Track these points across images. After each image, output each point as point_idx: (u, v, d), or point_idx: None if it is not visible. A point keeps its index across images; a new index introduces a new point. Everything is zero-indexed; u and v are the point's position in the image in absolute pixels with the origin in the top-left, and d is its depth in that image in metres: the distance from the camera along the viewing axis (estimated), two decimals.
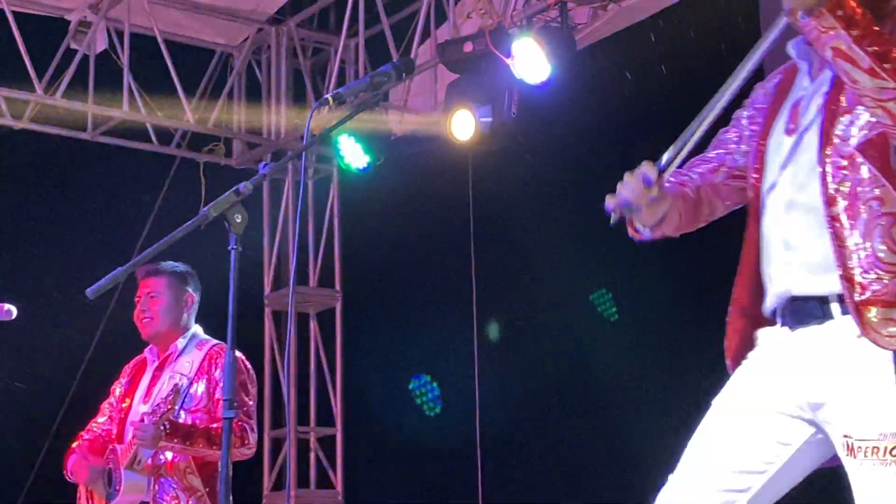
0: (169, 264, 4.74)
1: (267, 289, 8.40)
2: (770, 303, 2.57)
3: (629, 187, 2.53)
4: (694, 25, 6.44)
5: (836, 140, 2.46)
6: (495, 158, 6.99)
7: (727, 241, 2.81)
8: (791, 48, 2.64)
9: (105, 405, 4.81)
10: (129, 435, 4.52)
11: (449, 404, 7.87)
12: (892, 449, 2.35)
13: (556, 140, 6.94)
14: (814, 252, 2.46)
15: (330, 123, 2.97)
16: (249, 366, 4.70)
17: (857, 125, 2.45)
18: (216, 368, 4.56)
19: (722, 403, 2.60)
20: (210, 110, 8.18)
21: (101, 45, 7.75)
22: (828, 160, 2.46)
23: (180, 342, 4.66)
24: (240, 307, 2.72)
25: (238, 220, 2.63)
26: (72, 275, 7.38)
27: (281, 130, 8.34)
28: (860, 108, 2.44)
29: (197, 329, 4.73)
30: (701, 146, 2.69)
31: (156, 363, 4.69)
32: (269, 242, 8.48)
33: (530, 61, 6.40)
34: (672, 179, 2.69)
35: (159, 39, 7.79)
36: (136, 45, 7.77)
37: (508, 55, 6.46)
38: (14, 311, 4.11)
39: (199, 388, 4.54)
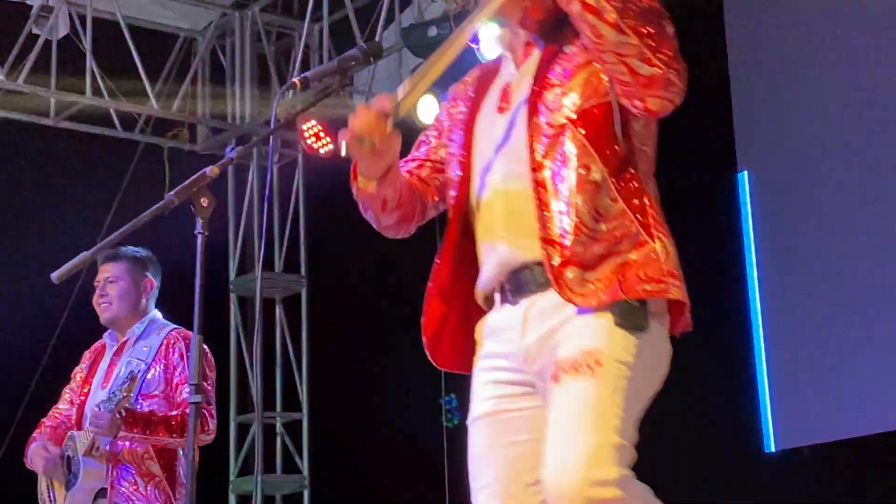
0: (129, 249, 4.73)
1: (232, 274, 8.38)
2: (487, 280, 2.60)
3: (363, 118, 2.53)
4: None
5: (544, 111, 2.51)
6: None
7: None
8: (497, 42, 2.72)
9: (66, 390, 4.80)
10: (87, 421, 4.51)
11: (414, 391, 7.87)
12: (589, 363, 2.40)
13: None
14: (524, 218, 2.50)
15: (295, 108, 2.97)
16: (207, 350, 4.70)
17: (568, 97, 2.50)
18: (174, 353, 4.56)
19: (475, 417, 2.61)
20: (174, 96, 8.14)
21: (64, 29, 7.69)
22: (537, 130, 2.50)
23: (137, 327, 4.66)
24: (205, 292, 2.72)
25: (204, 205, 2.62)
26: (35, 261, 7.34)
27: (245, 115, 8.31)
28: (573, 81, 2.49)
29: (156, 314, 4.73)
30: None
31: (114, 348, 4.69)
32: (234, 228, 8.46)
33: (495, 46, 6.39)
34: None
35: (122, 24, 7.73)
36: (99, 30, 7.72)
37: (474, 40, 6.45)
38: None
39: (156, 372, 4.54)
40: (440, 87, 7.15)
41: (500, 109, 2.63)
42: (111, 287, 4.66)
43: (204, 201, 2.62)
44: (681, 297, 2.51)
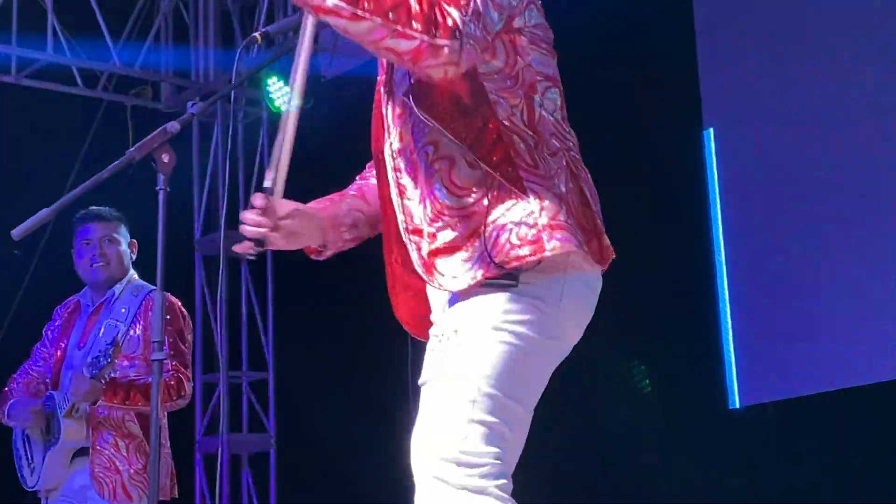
0: (108, 210, 4.72)
1: (197, 233, 8.33)
2: None
3: (250, 222, 2.51)
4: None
5: (395, 91, 2.44)
6: None
7: None
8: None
9: (38, 348, 4.78)
10: (65, 381, 4.52)
11: (380, 348, 7.88)
12: (455, 331, 2.32)
13: None
14: (399, 215, 2.45)
15: (259, 65, 2.95)
16: (186, 313, 4.72)
17: (400, 71, 2.42)
18: (151, 313, 4.50)
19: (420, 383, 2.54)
20: (137, 53, 8.06)
21: None
22: (392, 113, 2.44)
23: (117, 287, 4.65)
24: (170, 252, 2.70)
25: (165, 160, 2.60)
26: None
27: (210, 73, 8.24)
28: None
29: (133, 274, 4.72)
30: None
31: (90, 308, 4.67)
32: (198, 187, 8.40)
33: None
34: (348, 191, 2.71)
35: None
36: None
37: None
38: None
39: (135, 334, 4.55)
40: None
41: (388, 93, 2.52)
42: (110, 247, 4.66)
43: (165, 157, 2.61)
44: (560, 249, 2.32)
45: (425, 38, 2.23)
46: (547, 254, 2.31)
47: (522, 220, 2.31)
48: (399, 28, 2.22)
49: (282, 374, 8.21)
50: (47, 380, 4.65)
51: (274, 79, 7.51)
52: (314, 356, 8.24)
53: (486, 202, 2.32)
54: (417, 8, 2.23)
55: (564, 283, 2.36)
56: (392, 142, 2.43)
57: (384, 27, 2.22)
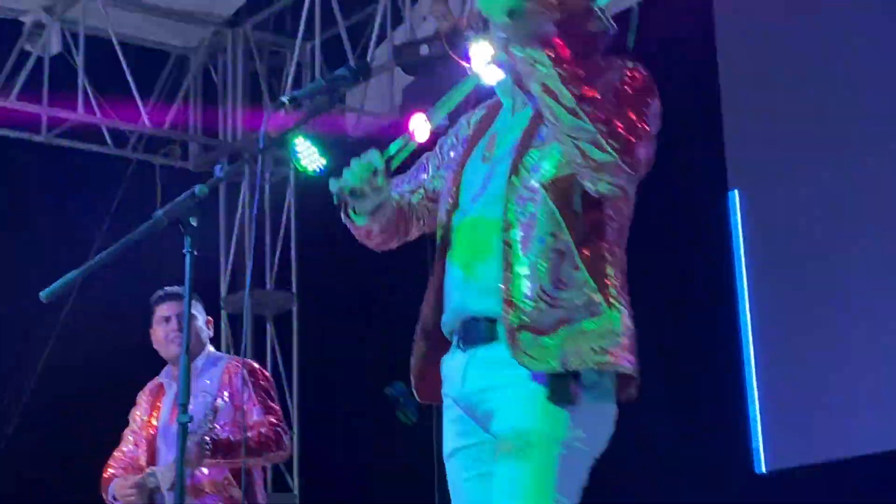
0: (182, 288, 4.85)
1: (223, 291, 8.36)
2: (447, 321, 2.67)
3: (356, 173, 2.67)
4: (651, 29, 6.49)
5: (523, 171, 2.57)
6: None
7: None
8: (497, 86, 2.79)
9: (128, 433, 4.93)
10: (161, 456, 4.68)
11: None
12: (521, 445, 2.48)
13: None
14: (488, 274, 2.56)
15: (286, 126, 2.98)
16: (267, 373, 4.94)
17: (547, 161, 2.55)
18: (237, 380, 4.73)
19: (447, 454, 2.71)
20: (166, 113, 8.14)
21: (56, 47, 7.71)
22: (513, 188, 2.56)
23: (199, 361, 4.80)
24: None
25: (193, 224, 2.62)
26: (25, 279, 7.32)
27: (237, 133, 8.32)
28: (553, 145, 2.53)
29: (210, 347, 4.91)
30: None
31: (174, 385, 4.81)
32: (225, 245, 8.45)
33: (486, 64, 6.41)
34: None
35: (114, 41, 7.74)
36: (91, 47, 7.74)
37: (465, 58, 6.47)
38: None
39: (223, 401, 4.70)
40: (432, 105, 7.16)
41: (484, 159, 2.69)
42: (189, 323, 4.75)
43: (193, 221, 2.62)
44: (631, 371, 2.55)
45: (617, 158, 2.43)
46: (619, 370, 2.54)
47: (606, 331, 2.51)
48: (600, 139, 2.42)
49: (307, 432, 8.19)
50: (143, 461, 4.76)
51: (300, 139, 7.55)
52: (339, 414, 8.23)
53: (580, 303, 2.51)
54: (619, 128, 2.44)
55: (613, 409, 2.59)
56: (509, 220, 2.55)
57: (591, 133, 2.42)
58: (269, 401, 4.75)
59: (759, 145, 5.82)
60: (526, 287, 2.50)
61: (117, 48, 7.75)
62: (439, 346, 2.70)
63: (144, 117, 7.91)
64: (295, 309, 8.33)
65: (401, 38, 7.21)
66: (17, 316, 7.37)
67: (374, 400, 8.03)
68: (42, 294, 2.49)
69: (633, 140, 2.46)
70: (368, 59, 7.33)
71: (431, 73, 6.82)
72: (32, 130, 7.80)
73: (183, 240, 2.68)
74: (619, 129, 2.44)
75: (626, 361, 2.53)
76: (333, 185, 2.72)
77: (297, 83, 8.07)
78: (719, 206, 5.95)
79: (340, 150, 7.99)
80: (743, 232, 5.77)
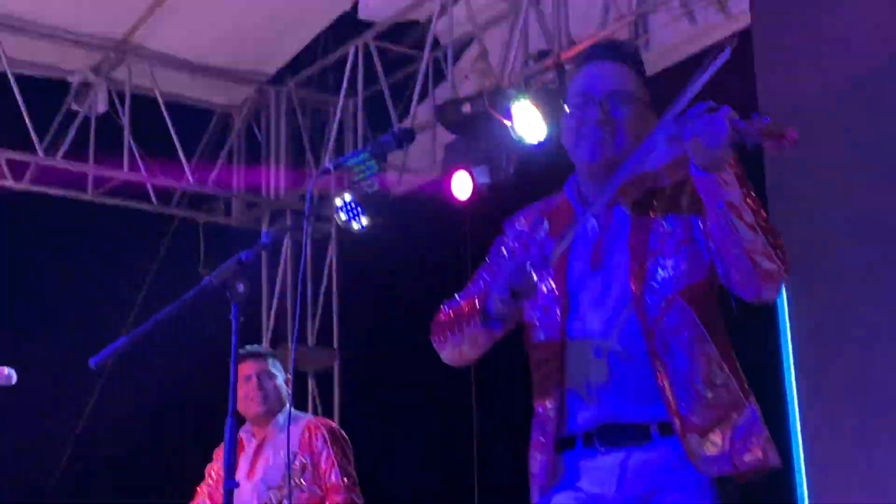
0: (263, 347, 5.20)
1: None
2: (581, 425, 2.71)
3: (524, 276, 2.65)
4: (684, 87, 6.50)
5: (649, 279, 2.67)
6: (493, 219, 7.01)
7: None
8: (571, 193, 2.83)
9: (203, 488, 5.03)
10: None
11: (446, 465, 7.84)
12: None
13: None
14: (633, 380, 2.65)
15: (329, 186, 3.03)
16: (345, 435, 5.03)
17: (675, 271, 2.68)
18: (317, 440, 4.86)
19: None
20: (209, 170, 8.23)
21: (102, 106, 7.82)
22: (644, 298, 2.66)
23: (280, 418, 4.91)
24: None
25: (240, 290, 2.65)
26: (70, 335, 7.38)
27: (280, 190, 8.38)
28: (675, 256, 2.67)
29: (290, 406, 5.03)
30: None
31: (254, 441, 4.94)
32: (267, 301, 8.49)
33: (528, 122, 6.45)
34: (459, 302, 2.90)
35: (160, 100, 7.85)
36: (137, 106, 7.84)
37: (506, 116, 6.50)
38: (14, 375, 4.10)
39: (303, 460, 4.81)
40: (475, 164, 7.16)
41: (593, 267, 2.75)
42: (267, 382, 4.92)
43: (239, 286, 2.65)
44: (778, 462, 2.68)
45: (781, 268, 2.61)
46: (771, 465, 2.67)
47: (752, 424, 2.66)
48: (771, 250, 2.58)
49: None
50: None
51: (343, 197, 7.61)
52: (381, 471, 8.21)
53: (728, 401, 2.65)
54: (780, 240, 2.62)
55: None
56: (651, 328, 2.65)
57: (763, 245, 2.57)
58: (347, 464, 4.86)
59: (808, 234, 5.71)
60: (682, 390, 2.62)
61: (162, 107, 7.85)
62: (561, 447, 2.75)
63: (188, 175, 7.99)
64: (336, 365, 8.34)
65: (443, 96, 7.26)
66: (60, 373, 7.42)
67: (416, 455, 8.03)
68: (92, 361, 2.51)
69: (787, 254, 2.64)
70: (410, 116, 7.38)
71: (473, 130, 6.86)
72: (79, 189, 7.89)
73: (229, 304, 2.70)
74: (781, 241, 2.61)
75: (773, 458, 2.67)
76: (509, 297, 2.69)
77: (339, 140, 8.13)
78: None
79: (382, 208, 8.09)
80: (790, 320, 5.69)
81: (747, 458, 2.62)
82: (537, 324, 2.80)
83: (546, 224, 2.87)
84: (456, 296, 2.98)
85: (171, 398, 7.71)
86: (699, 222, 2.66)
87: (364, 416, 8.35)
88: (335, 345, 8.38)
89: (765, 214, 2.58)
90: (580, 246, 2.77)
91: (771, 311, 5.57)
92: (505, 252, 2.92)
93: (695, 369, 2.62)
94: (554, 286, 2.77)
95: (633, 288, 2.66)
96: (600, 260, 2.73)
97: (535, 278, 2.63)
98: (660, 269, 2.67)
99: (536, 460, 2.80)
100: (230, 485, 2.53)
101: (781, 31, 5.73)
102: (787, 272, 2.63)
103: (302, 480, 4.65)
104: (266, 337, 8.41)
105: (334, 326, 8.40)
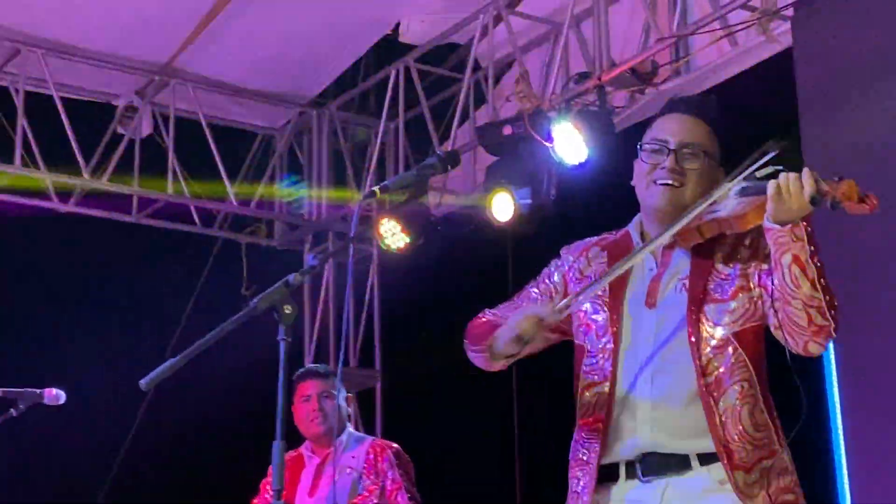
0: (324, 367, 5.17)
1: None
2: (623, 455, 2.85)
3: (529, 324, 2.84)
4: (730, 109, 6.49)
5: (705, 321, 2.82)
6: (534, 240, 7.03)
7: None
8: (634, 231, 2.99)
9: (258, 502, 5.05)
10: None
11: (488, 485, 7.84)
12: None
13: (594, 222, 6.97)
14: (683, 415, 2.80)
15: (372, 208, 3.06)
16: (408, 457, 5.09)
17: (730, 315, 2.83)
18: (383, 461, 4.90)
19: None
20: (252, 192, 8.29)
21: (147, 129, 7.91)
22: (701, 337, 2.81)
23: (343, 437, 4.96)
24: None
25: (288, 312, 2.68)
26: (116, 355, 7.46)
27: (322, 211, 8.43)
28: (731, 302, 2.82)
29: (350, 426, 5.09)
30: None
31: (315, 459, 4.97)
32: (309, 322, 8.52)
33: (569, 144, 6.46)
34: (497, 315, 3.05)
35: (203, 123, 7.93)
36: (181, 129, 7.92)
37: (547, 138, 6.52)
38: (63, 395, 4.16)
39: (367, 480, 4.85)
40: (516, 186, 7.16)
41: (649, 305, 2.89)
42: (327, 402, 4.94)
43: (287, 308, 2.67)
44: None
45: (832, 325, 2.74)
46: None
47: (785, 469, 2.82)
48: (825, 308, 2.72)
49: None
50: None
51: (385, 219, 7.64)
52: (423, 491, 8.21)
53: (767, 442, 2.80)
54: (835, 299, 2.75)
55: None
56: (704, 366, 2.80)
57: (821, 302, 2.70)
58: (411, 486, 4.92)
59: (855, 296, 5.58)
60: (733, 429, 2.77)
61: (206, 129, 7.93)
62: (605, 475, 2.87)
63: (231, 197, 8.05)
64: (378, 386, 8.36)
65: (483, 118, 7.29)
66: (107, 392, 7.49)
67: (459, 475, 8.03)
68: (142, 383, 2.55)
69: (837, 313, 2.77)
70: (451, 138, 7.41)
71: (514, 152, 6.88)
72: (123, 211, 7.97)
73: (276, 326, 2.73)
74: (836, 302, 2.75)
75: (802, 499, 2.82)
76: (507, 336, 2.88)
77: (381, 162, 8.18)
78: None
79: (423, 229, 8.10)
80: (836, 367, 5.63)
81: (780, 498, 2.78)
82: (589, 349, 2.93)
83: (605, 256, 3.01)
84: (499, 305, 3.13)
85: (217, 415, 7.76)
86: (757, 273, 2.82)
87: (406, 437, 8.35)
88: (377, 365, 8.41)
89: (824, 272, 2.70)
90: (637, 282, 2.92)
91: None
92: (556, 277, 3.05)
93: (745, 410, 2.77)
94: (608, 317, 2.90)
95: (690, 328, 2.81)
96: (655, 298, 2.88)
97: (544, 327, 2.82)
98: (716, 313, 2.82)
99: (579, 480, 2.89)
100: None
101: (822, 53, 5.72)
102: (835, 331, 2.75)
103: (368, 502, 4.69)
104: (309, 359, 8.44)
105: (376, 347, 8.43)
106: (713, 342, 2.80)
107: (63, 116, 7.46)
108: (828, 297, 2.71)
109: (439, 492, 8.12)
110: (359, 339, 8.38)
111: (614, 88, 6.63)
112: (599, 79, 6.47)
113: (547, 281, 3.08)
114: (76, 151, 7.52)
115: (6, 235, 7.61)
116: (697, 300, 2.83)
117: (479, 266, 7.58)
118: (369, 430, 8.33)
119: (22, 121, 7.38)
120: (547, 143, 6.52)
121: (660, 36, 6.26)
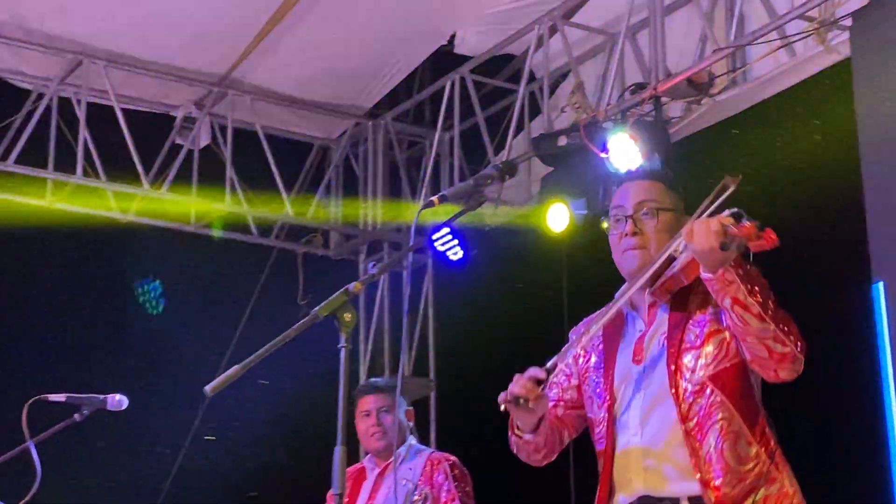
0: (385, 381, 5.23)
1: (363, 377, 8.46)
2: (624, 500, 3.02)
3: (520, 384, 2.98)
4: (788, 119, 6.46)
5: (684, 369, 2.96)
6: (590, 251, 7.03)
7: None
8: (623, 302, 3.10)
9: None
10: None
11: (542, 494, 7.83)
12: None
13: None
14: (670, 460, 2.94)
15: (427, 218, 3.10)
16: (467, 471, 5.12)
17: (705, 359, 2.96)
18: (439, 474, 4.93)
19: None
20: (308, 202, 8.35)
21: (205, 140, 8.00)
22: (679, 385, 2.95)
23: (402, 449, 5.02)
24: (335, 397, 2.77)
25: (347, 319, 2.71)
26: (175, 363, 7.54)
27: (377, 222, 8.47)
28: (704, 346, 2.96)
29: (412, 438, 5.10)
30: None
31: (375, 471, 5.03)
32: (364, 332, 8.57)
33: (624, 154, 6.45)
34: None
35: (260, 134, 8.01)
36: (238, 140, 8.00)
37: (603, 149, 6.52)
38: (126, 401, 4.22)
39: (425, 492, 4.87)
40: (571, 197, 7.15)
41: (637, 361, 3.06)
42: (386, 417, 5.01)
43: (347, 316, 2.71)
44: None
45: (795, 349, 2.86)
46: None
47: (782, 495, 2.91)
48: (782, 336, 2.83)
49: None
50: None
51: (443, 229, 7.67)
52: (479, 498, 8.22)
53: (756, 472, 2.90)
54: (795, 327, 2.86)
55: None
56: (685, 412, 2.94)
57: (774, 332, 2.82)
58: (467, 499, 4.94)
59: None
60: (716, 468, 2.88)
61: (263, 140, 8.00)
62: None
63: (288, 207, 8.12)
64: (433, 395, 8.38)
65: (538, 129, 7.29)
66: (167, 397, 7.56)
67: (512, 485, 8.03)
68: (206, 389, 2.58)
69: (799, 335, 2.86)
70: (506, 149, 7.42)
71: (569, 163, 6.88)
72: (182, 220, 8.05)
73: (336, 334, 2.76)
74: (792, 324, 2.85)
75: None
76: (501, 396, 3.01)
77: (435, 173, 8.21)
78: (865, 298, 5.85)
79: (478, 239, 8.11)
80: (888, 324, 5.65)
81: None
82: (592, 418, 3.13)
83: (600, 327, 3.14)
84: None
85: (277, 421, 7.82)
86: (722, 315, 2.93)
87: (460, 446, 8.36)
88: (431, 375, 8.44)
89: (773, 303, 2.81)
90: (628, 343, 3.09)
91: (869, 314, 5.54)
92: (570, 359, 3.20)
93: (726, 447, 2.88)
94: (603, 382, 3.09)
95: (669, 380, 2.95)
96: (642, 355, 3.04)
97: (539, 388, 2.95)
98: (692, 361, 2.95)
99: None
100: None
101: (880, 62, 5.69)
102: (802, 352, 2.86)
103: None
104: (364, 367, 8.49)
105: (430, 356, 8.45)
106: (691, 388, 2.94)
107: (123, 127, 7.56)
108: (781, 325, 2.82)
109: (493, 497, 8.13)
110: (413, 348, 8.41)
111: (670, 99, 6.62)
112: (655, 89, 6.45)
113: (563, 366, 3.20)
114: (136, 162, 7.61)
115: (67, 246, 7.72)
116: (674, 353, 2.98)
117: (533, 276, 7.59)
118: (423, 438, 8.36)
119: (83, 132, 7.49)
120: (602, 154, 6.52)
121: (716, 46, 6.25)
